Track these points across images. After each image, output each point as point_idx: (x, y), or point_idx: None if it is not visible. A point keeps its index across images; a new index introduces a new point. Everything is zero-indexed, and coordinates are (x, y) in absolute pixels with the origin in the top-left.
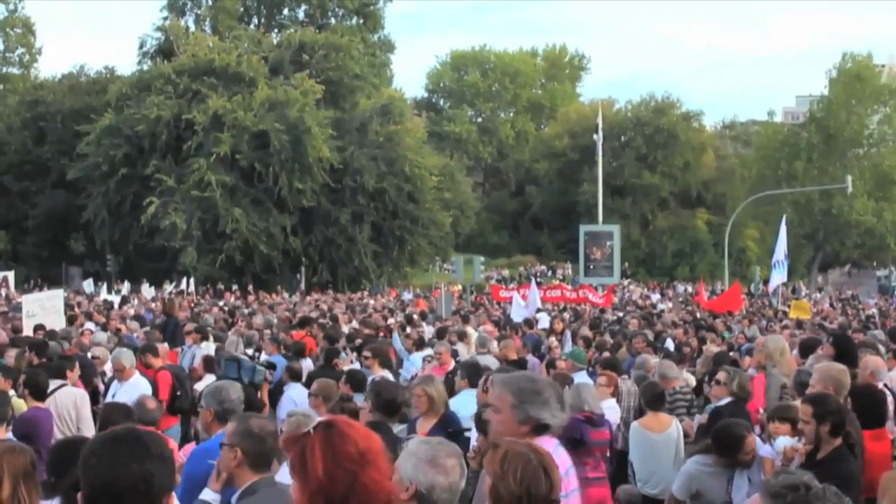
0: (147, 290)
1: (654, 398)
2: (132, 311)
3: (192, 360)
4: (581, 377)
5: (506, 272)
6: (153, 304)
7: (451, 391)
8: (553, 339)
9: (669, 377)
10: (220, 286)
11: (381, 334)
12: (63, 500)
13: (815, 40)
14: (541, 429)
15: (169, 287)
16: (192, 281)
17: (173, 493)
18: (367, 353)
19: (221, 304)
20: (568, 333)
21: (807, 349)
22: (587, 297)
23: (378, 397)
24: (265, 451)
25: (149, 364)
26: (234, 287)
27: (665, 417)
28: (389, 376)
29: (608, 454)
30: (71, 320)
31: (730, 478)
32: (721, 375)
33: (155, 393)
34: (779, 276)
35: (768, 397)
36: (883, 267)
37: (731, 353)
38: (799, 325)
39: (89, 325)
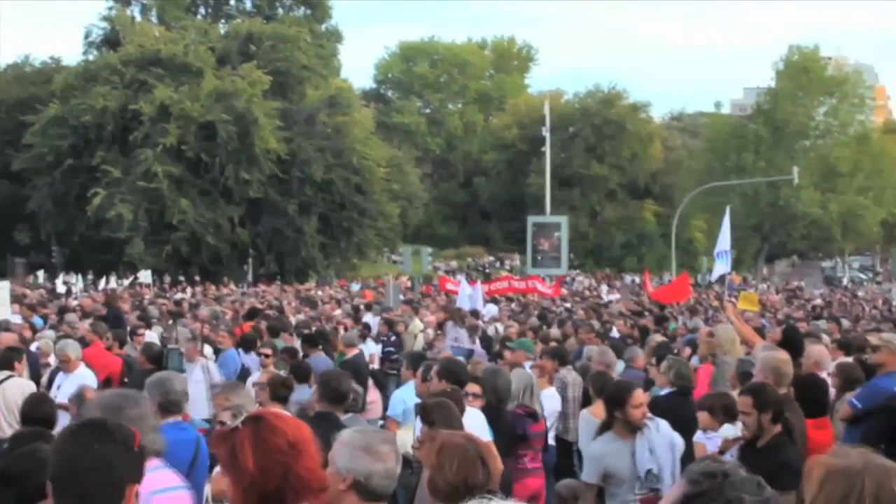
0: (104, 283)
1: (604, 387)
2: (76, 303)
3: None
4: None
5: (454, 263)
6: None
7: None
8: (430, 332)
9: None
10: (168, 278)
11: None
12: None
13: (762, 33)
14: None
15: (133, 279)
16: (149, 273)
17: (137, 488)
18: (265, 351)
19: (168, 295)
20: (449, 324)
21: None
22: (536, 287)
23: (324, 387)
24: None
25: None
26: (182, 279)
27: None
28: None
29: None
30: None
31: (632, 451)
32: (661, 365)
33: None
34: (722, 267)
35: (721, 385)
36: (829, 258)
37: (672, 344)
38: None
39: (15, 318)
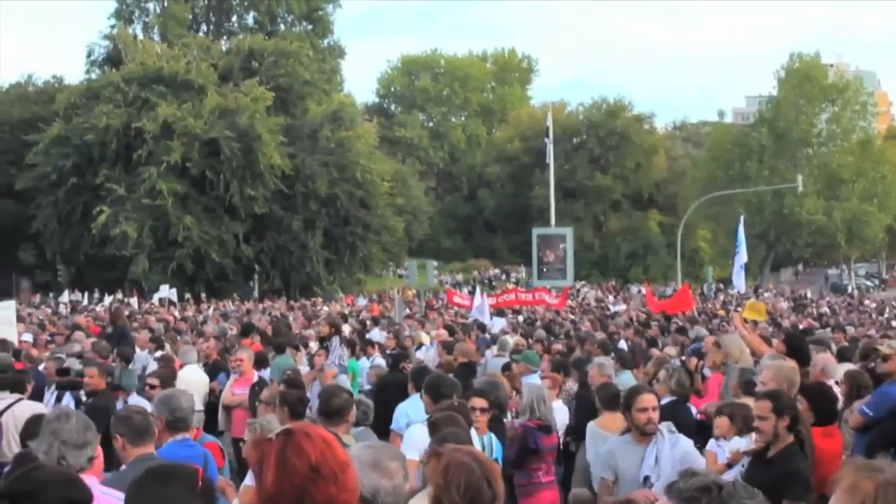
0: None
1: (610, 398)
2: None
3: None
4: (534, 380)
5: (460, 276)
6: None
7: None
8: (312, 345)
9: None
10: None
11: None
12: None
13: (763, 40)
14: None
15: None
16: (174, 291)
17: None
18: (152, 382)
19: (176, 313)
20: (336, 339)
21: None
22: (544, 299)
23: (319, 404)
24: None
25: None
26: (187, 296)
27: (621, 418)
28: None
29: (557, 458)
30: None
31: (641, 455)
32: (661, 374)
33: None
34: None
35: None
36: (835, 266)
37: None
38: (755, 324)
39: (27, 337)
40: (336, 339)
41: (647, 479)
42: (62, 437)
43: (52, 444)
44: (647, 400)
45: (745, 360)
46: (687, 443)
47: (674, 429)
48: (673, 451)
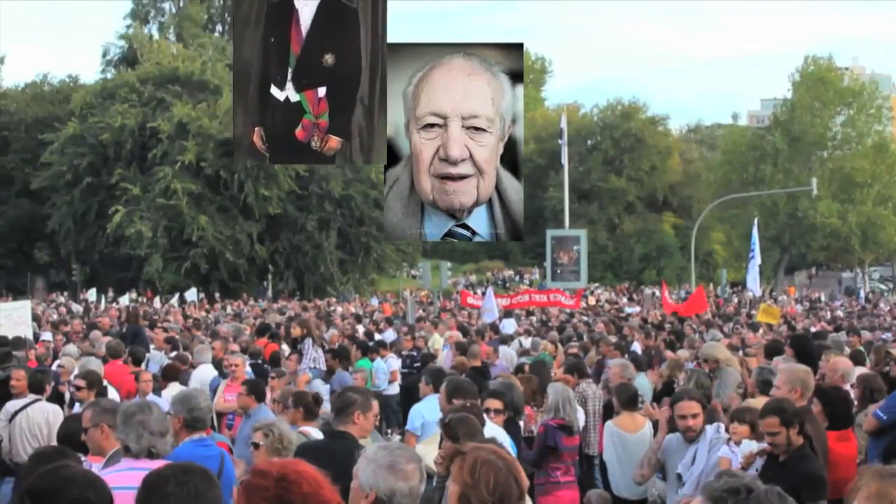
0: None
1: (629, 398)
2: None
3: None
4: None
5: (473, 277)
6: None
7: None
8: (285, 347)
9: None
10: (186, 297)
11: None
12: None
13: (778, 43)
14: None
15: (181, 298)
16: (194, 291)
17: None
18: (79, 384)
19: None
20: (308, 342)
21: (771, 352)
22: (560, 300)
23: (334, 405)
24: None
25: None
26: (201, 296)
27: (640, 417)
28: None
29: (577, 459)
30: None
31: (684, 454)
32: (681, 376)
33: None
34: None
35: (723, 394)
36: (849, 269)
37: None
38: (769, 328)
39: (46, 336)
40: (308, 342)
41: (679, 476)
42: (150, 427)
43: (142, 435)
44: (686, 407)
45: (735, 364)
46: (730, 451)
47: (722, 431)
48: (710, 453)
